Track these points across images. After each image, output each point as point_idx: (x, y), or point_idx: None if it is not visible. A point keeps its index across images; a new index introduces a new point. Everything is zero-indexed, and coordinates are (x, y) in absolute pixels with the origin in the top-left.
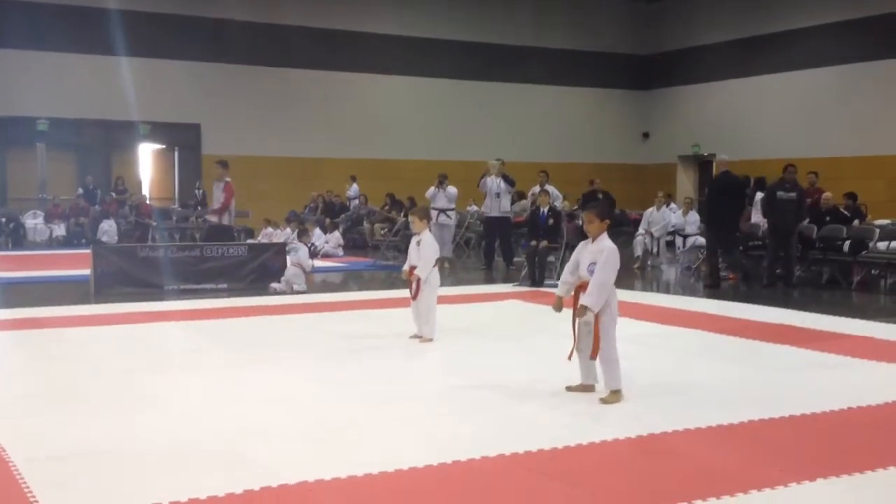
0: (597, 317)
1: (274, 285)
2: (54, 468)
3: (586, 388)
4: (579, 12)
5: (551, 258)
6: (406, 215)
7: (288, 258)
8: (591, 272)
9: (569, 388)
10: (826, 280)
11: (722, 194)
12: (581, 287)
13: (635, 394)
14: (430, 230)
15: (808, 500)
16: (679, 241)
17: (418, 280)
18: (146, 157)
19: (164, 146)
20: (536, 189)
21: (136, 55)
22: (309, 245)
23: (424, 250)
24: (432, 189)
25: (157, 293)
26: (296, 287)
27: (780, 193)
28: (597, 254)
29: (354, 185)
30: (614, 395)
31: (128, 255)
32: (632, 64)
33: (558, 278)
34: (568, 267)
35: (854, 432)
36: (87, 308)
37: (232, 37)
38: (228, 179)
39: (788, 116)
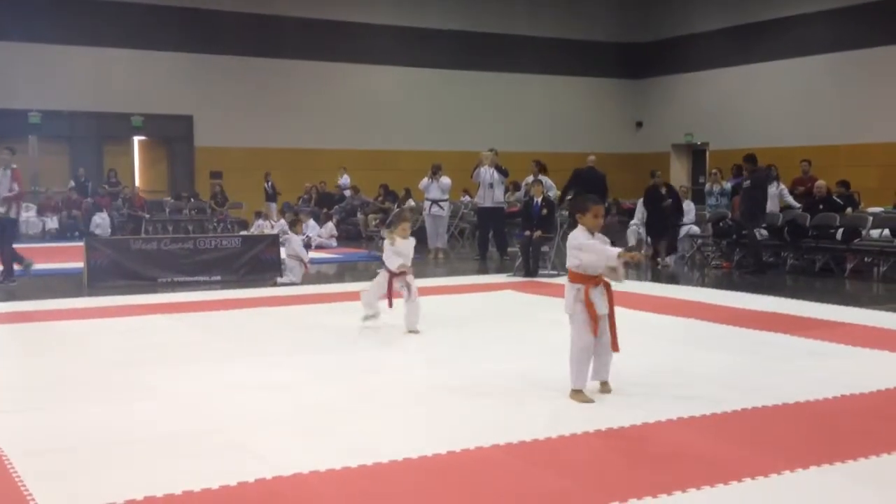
0: (612, 311)
1: (278, 278)
2: (47, 460)
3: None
4: (572, 1)
5: (545, 248)
6: (399, 206)
7: (282, 250)
8: None
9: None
10: (819, 268)
11: (586, 187)
12: (592, 280)
13: (629, 383)
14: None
15: (803, 487)
16: None
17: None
18: (138, 150)
19: (156, 138)
20: (530, 179)
21: (129, 47)
22: (304, 236)
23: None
24: (426, 180)
25: (150, 286)
26: (280, 280)
27: (744, 184)
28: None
29: (346, 176)
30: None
31: (121, 248)
32: (625, 53)
33: (552, 268)
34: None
35: (848, 420)
36: (81, 301)
37: (224, 28)
38: (15, 166)
39: (781, 104)
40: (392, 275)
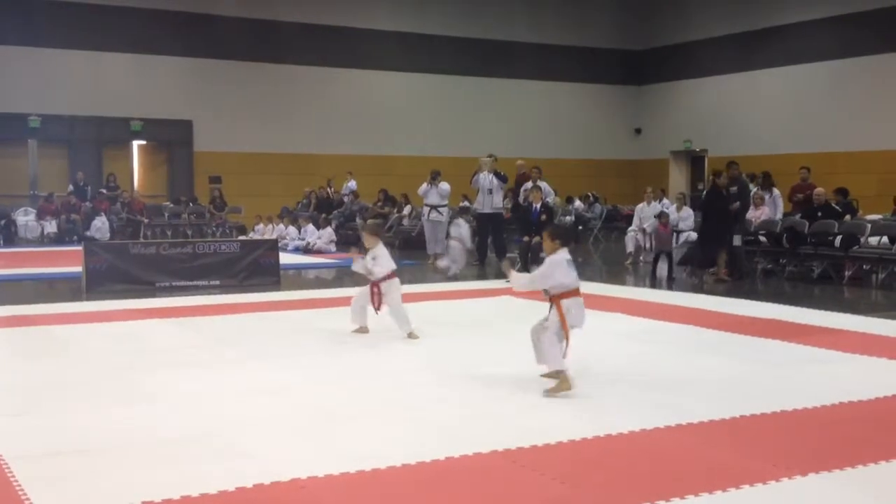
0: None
1: (440, 263)
2: (45, 465)
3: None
4: (572, 8)
5: (544, 254)
6: (399, 210)
7: (451, 231)
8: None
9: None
10: (818, 275)
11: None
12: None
13: (627, 389)
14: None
15: (800, 494)
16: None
17: (379, 291)
18: (138, 154)
19: (156, 142)
20: (529, 185)
21: (128, 51)
22: (303, 241)
23: (378, 264)
24: (425, 185)
25: (148, 290)
26: (441, 263)
27: (732, 189)
28: None
29: (353, 181)
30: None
31: (120, 252)
32: (624, 59)
33: None
34: None
35: (846, 427)
36: (79, 305)
37: (224, 33)
38: None
39: (781, 111)
40: (373, 284)
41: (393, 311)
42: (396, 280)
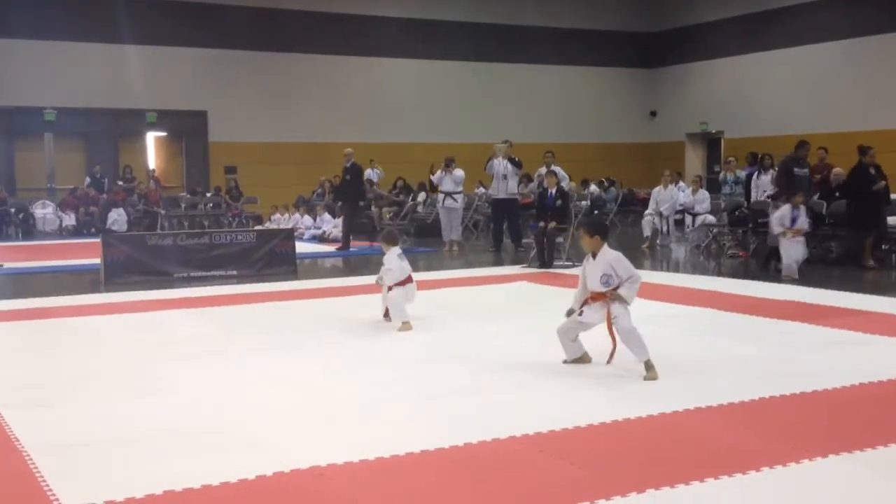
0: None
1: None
2: (66, 456)
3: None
4: None
5: (560, 239)
6: (414, 199)
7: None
8: (605, 283)
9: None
10: (837, 256)
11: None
12: (593, 298)
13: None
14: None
15: (823, 476)
16: (689, 219)
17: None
18: (153, 145)
19: (171, 134)
20: (543, 170)
21: (143, 43)
22: (320, 229)
23: (388, 276)
24: (439, 172)
25: (166, 281)
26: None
27: (796, 170)
28: (606, 265)
29: (376, 169)
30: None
31: (137, 244)
32: (638, 42)
33: (566, 259)
34: (577, 292)
35: (869, 408)
36: (98, 297)
37: (238, 23)
38: None
39: (796, 92)
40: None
41: (390, 302)
42: (410, 286)
